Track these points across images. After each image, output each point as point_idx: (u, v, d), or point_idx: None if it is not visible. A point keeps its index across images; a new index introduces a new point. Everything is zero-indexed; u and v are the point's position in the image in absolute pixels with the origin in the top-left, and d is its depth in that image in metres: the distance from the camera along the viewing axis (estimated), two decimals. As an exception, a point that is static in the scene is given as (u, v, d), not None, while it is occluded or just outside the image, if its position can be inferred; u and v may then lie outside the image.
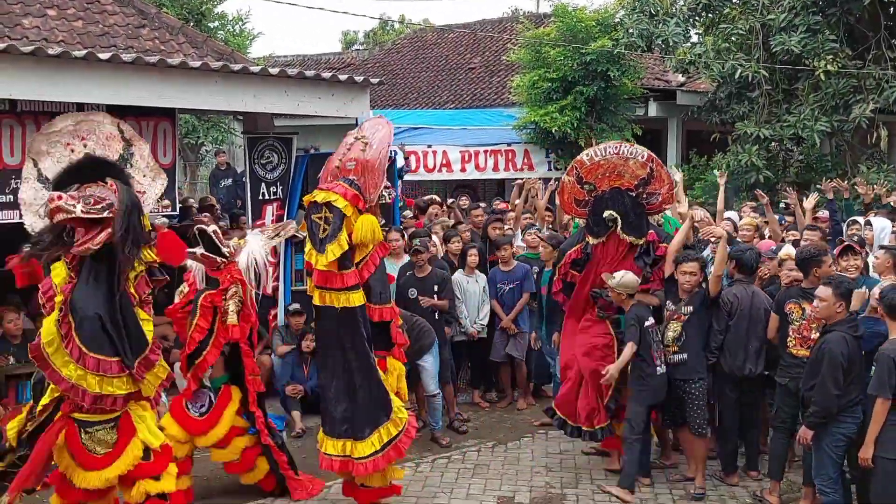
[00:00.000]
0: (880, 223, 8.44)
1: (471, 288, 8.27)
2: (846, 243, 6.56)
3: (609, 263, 6.40)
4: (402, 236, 8.46)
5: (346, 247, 5.36)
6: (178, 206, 9.53)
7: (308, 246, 5.51)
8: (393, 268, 7.89)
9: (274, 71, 8.05)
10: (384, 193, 5.87)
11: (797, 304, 5.99)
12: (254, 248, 6.08)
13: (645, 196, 6.46)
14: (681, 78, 15.56)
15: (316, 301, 5.55)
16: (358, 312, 5.46)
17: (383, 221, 5.98)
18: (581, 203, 6.65)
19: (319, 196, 5.48)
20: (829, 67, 12.19)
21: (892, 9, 13.21)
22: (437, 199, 11.54)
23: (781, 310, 6.08)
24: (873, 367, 5.13)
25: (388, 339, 5.87)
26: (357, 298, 5.44)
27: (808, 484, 5.81)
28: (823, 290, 5.37)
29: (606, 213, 6.38)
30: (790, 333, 6.00)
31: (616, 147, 6.63)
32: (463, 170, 13.72)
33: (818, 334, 5.65)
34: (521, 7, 21.43)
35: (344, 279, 5.40)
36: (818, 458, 5.38)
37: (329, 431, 5.59)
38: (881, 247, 7.33)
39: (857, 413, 5.28)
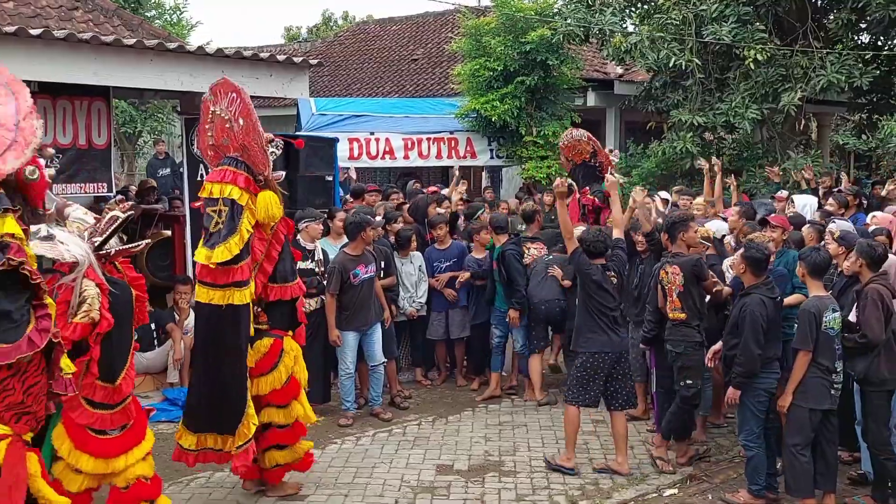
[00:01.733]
0: (801, 200, 8.96)
1: (406, 269, 8.36)
2: (762, 216, 6.97)
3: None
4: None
5: (247, 237, 5.18)
6: (115, 189, 9.44)
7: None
8: (333, 248, 7.94)
9: (210, 49, 8.06)
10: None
11: (664, 270, 6.30)
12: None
13: (598, 164, 9.12)
14: (619, 70, 15.90)
15: (200, 298, 5.30)
16: (242, 311, 5.25)
17: (286, 194, 5.81)
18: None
19: (216, 190, 5.25)
20: (759, 56, 12.57)
21: (817, 0, 13.71)
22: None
23: (657, 279, 6.37)
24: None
25: (292, 318, 5.74)
26: (244, 296, 5.22)
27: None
28: (738, 253, 5.71)
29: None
30: (668, 298, 6.30)
31: (570, 134, 9.57)
32: (406, 157, 13.79)
33: (677, 296, 6.16)
34: (464, 2, 21.54)
35: (234, 273, 5.16)
36: (741, 414, 5.63)
37: (197, 428, 5.42)
38: (809, 222, 7.74)
39: (776, 369, 5.55)
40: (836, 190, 9.87)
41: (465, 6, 18.38)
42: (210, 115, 5.55)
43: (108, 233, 4.36)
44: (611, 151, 10.23)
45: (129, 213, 4.56)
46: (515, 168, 14.13)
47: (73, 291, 4.05)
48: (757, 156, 13.69)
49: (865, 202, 10.06)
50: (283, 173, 5.96)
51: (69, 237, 4.13)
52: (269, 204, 5.39)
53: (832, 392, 5.41)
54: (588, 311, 6.18)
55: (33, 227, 3.81)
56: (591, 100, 15.44)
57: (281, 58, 8.64)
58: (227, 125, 5.41)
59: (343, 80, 20.38)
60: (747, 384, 5.53)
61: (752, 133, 13.51)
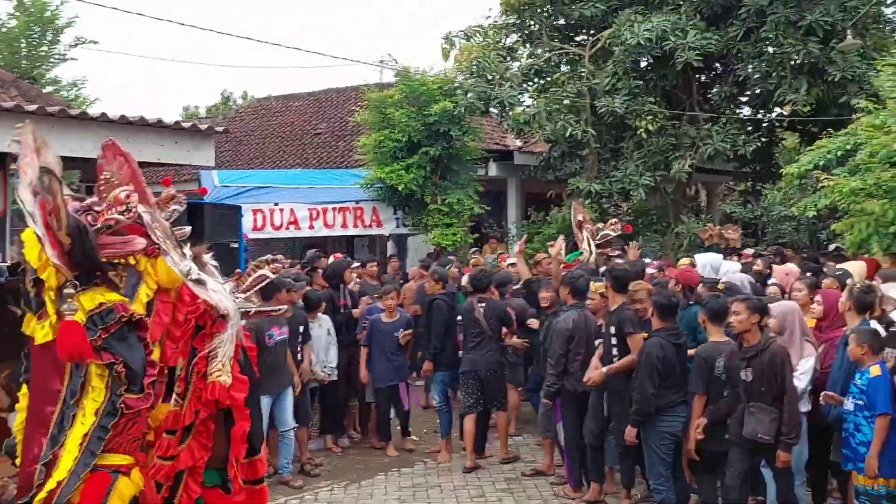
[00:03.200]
0: (703, 259, 9.52)
1: (315, 332, 8.37)
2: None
3: None
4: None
5: (145, 301, 4.91)
6: (10, 261, 9.16)
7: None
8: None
9: (114, 116, 8.08)
10: None
11: None
12: None
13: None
14: (518, 143, 16.62)
15: None
16: None
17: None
18: None
19: None
20: (650, 127, 13.48)
21: (701, 76, 14.79)
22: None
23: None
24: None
25: None
26: None
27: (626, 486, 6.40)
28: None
29: None
30: None
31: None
32: (311, 227, 13.88)
33: None
34: (367, 80, 22.21)
35: None
36: (648, 457, 5.87)
37: None
38: (702, 280, 8.23)
39: (680, 413, 5.83)
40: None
41: (368, 84, 18.94)
42: (103, 180, 5.42)
43: (251, 292, 4.15)
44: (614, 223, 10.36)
45: (276, 274, 4.44)
46: (421, 236, 14.42)
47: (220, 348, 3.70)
48: (651, 221, 14.46)
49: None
50: (189, 229, 5.88)
51: (218, 286, 3.83)
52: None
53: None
54: (465, 335, 7.85)
55: (183, 265, 3.67)
56: (493, 170, 16.02)
57: (186, 124, 8.73)
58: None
59: (245, 155, 20.43)
60: (645, 423, 5.79)
61: (646, 200, 14.27)
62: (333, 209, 14.03)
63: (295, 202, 13.79)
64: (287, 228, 13.70)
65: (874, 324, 5.74)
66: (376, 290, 9.13)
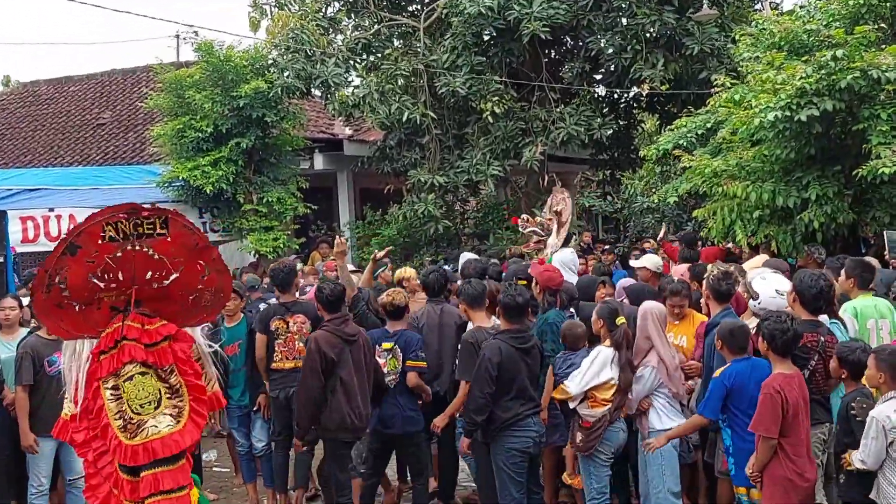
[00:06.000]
0: (559, 256, 10.00)
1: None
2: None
3: None
4: (20, 305, 8.12)
5: None
6: None
7: None
8: (6, 347, 7.45)
9: None
10: None
11: (282, 320, 7.22)
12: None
13: None
14: (348, 131, 16.69)
15: None
16: None
17: None
18: None
19: None
20: (496, 109, 13.90)
21: (551, 51, 15.39)
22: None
23: (267, 328, 7.21)
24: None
25: None
26: None
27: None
28: None
29: None
30: (276, 348, 7.19)
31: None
32: (97, 236, 13.38)
33: (303, 344, 6.98)
34: (161, 58, 21.38)
35: None
36: (499, 479, 6.00)
37: None
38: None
39: (531, 426, 6.02)
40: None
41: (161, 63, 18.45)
42: None
43: None
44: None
45: None
46: (234, 243, 14.19)
47: None
48: (502, 217, 14.89)
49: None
50: None
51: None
52: None
53: None
54: None
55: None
56: (320, 162, 16.02)
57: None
58: None
59: (10, 152, 19.51)
60: (493, 441, 6.01)
61: (496, 193, 14.72)
62: (124, 214, 13.59)
63: (75, 207, 13.19)
64: (66, 239, 13.14)
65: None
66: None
